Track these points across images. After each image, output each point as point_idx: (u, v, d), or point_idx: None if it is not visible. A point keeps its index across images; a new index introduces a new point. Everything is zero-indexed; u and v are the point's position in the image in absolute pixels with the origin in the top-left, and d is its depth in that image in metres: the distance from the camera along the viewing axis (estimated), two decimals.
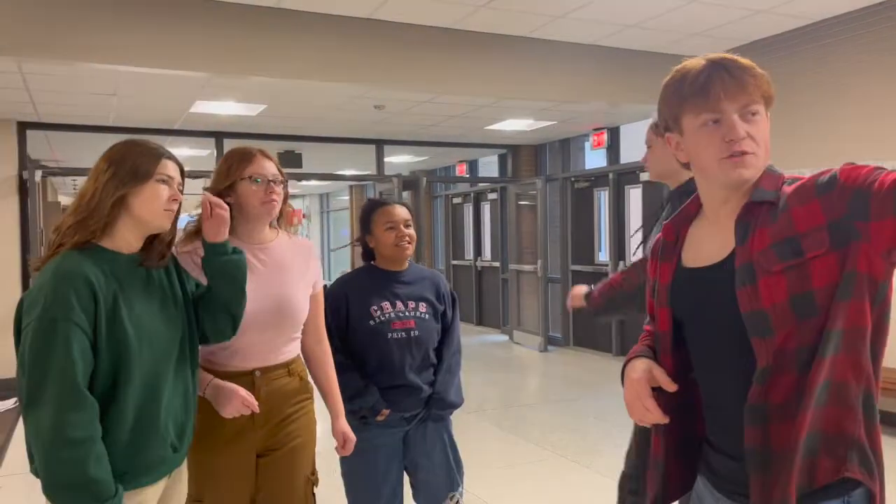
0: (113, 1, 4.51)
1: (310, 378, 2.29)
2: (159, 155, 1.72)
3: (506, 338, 9.68)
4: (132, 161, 1.68)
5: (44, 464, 1.52)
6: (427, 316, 2.52)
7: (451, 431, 2.62)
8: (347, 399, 2.37)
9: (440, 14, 5.06)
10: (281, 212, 2.17)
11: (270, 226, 2.21)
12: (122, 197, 1.66)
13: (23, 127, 6.98)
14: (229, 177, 2.07)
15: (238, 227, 2.09)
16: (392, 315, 2.47)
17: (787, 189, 1.27)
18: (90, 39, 4.50)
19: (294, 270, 2.17)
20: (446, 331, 2.61)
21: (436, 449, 2.56)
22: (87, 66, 4.71)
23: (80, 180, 12.68)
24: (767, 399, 1.23)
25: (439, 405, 2.53)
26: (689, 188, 1.90)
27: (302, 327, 2.21)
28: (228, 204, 1.95)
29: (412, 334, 2.47)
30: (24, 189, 6.85)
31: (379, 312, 2.46)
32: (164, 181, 1.71)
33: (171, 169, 1.73)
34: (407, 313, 2.48)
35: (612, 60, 5.92)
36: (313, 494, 2.21)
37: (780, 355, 1.23)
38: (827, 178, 1.21)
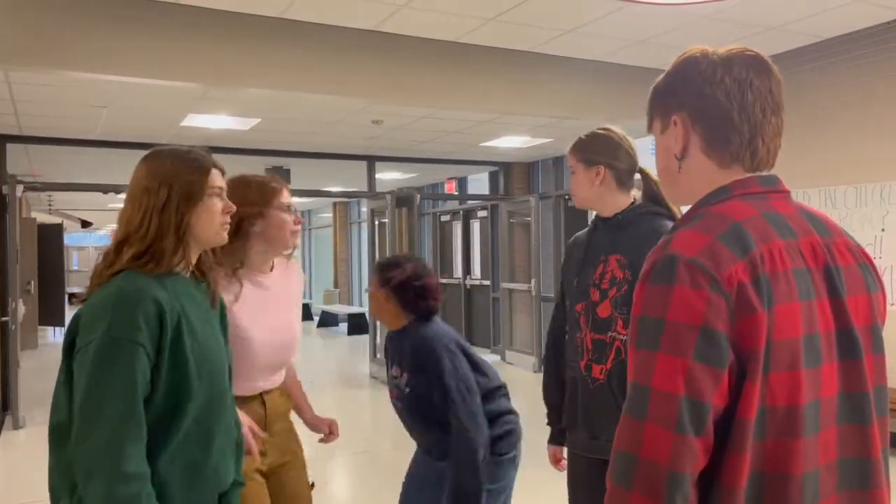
0: (106, 9, 4.31)
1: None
2: (208, 167, 1.58)
3: (497, 357, 9.52)
4: (184, 179, 1.53)
5: (98, 498, 1.35)
6: None
7: None
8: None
9: (447, 28, 4.93)
10: None
11: None
12: (185, 221, 1.52)
13: (3, 140, 6.70)
14: (263, 204, 2.06)
15: (253, 255, 2.08)
16: None
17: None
18: (82, 48, 4.28)
19: (289, 296, 2.22)
20: None
21: None
22: (79, 75, 4.49)
23: (57, 195, 12.30)
24: None
25: None
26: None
27: None
28: (254, 232, 2.04)
29: None
30: (2, 205, 6.55)
31: None
32: (216, 194, 1.58)
33: (219, 179, 1.61)
34: None
35: (616, 76, 5.82)
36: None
37: None
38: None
